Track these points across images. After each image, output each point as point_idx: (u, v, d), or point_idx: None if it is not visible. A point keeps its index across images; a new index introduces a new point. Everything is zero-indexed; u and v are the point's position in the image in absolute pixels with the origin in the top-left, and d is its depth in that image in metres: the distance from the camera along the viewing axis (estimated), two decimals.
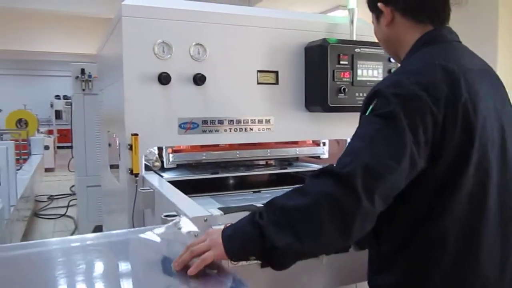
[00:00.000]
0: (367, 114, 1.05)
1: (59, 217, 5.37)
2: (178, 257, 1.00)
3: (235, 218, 1.19)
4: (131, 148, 1.77)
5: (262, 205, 1.25)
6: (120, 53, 1.82)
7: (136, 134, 1.78)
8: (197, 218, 1.15)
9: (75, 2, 6.50)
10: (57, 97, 13.67)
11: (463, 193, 1.03)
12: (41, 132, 10.65)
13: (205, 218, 1.16)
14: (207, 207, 1.70)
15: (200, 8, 1.91)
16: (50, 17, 7.88)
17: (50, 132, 11.90)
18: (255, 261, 1.05)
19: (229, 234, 1.01)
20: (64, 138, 11.06)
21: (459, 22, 1.42)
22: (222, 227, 1.12)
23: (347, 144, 1.22)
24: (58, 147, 11.43)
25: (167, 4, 1.87)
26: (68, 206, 5.61)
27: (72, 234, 4.70)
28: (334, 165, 1.00)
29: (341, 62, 1.98)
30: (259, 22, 2.00)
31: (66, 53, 10.34)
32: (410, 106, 0.98)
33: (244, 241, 0.99)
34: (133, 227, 1.77)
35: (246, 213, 1.21)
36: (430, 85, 1.00)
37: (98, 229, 4.32)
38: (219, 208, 1.23)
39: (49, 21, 8.30)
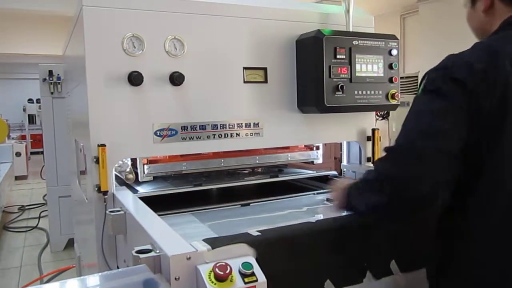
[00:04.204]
0: (417, 94, 1.13)
1: (30, 230, 5.02)
2: None
3: (224, 253, 0.94)
4: (97, 162, 1.50)
5: (259, 233, 1.04)
6: (82, 49, 1.56)
7: (104, 145, 1.51)
8: (177, 257, 0.89)
9: (46, 0, 6.13)
10: (30, 100, 13.16)
11: None
12: (13, 138, 10.15)
13: (188, 256, 0.90)
14: (188, 232, 1.47)
15: None
16: (20, 18, 7.46)
17: (23, 138, 11.42)
18: None
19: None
20: (38, 143, 10.60)
21: None
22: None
23: None
24: (32, 153, 10.99)
25: None
26: (39, 217, 5.26)
27: (44, 248, 4.36)
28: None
29: (338, 56, 1.75)
30: (244, 12, 1.77)
31: (38, 55, 9.87)
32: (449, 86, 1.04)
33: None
34: (103, 255, 1.50)
35: (238, 246, 0.97)
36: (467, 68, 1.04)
37: (71, 242, 4.03)
38: (205, 240, 0.97)
39: (19, 22, 7.87)
